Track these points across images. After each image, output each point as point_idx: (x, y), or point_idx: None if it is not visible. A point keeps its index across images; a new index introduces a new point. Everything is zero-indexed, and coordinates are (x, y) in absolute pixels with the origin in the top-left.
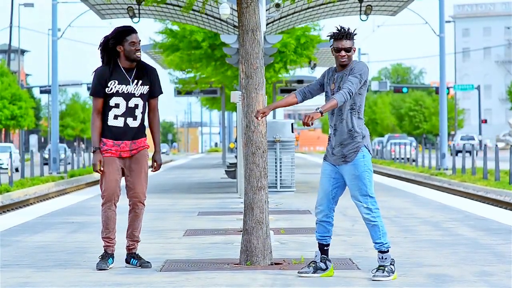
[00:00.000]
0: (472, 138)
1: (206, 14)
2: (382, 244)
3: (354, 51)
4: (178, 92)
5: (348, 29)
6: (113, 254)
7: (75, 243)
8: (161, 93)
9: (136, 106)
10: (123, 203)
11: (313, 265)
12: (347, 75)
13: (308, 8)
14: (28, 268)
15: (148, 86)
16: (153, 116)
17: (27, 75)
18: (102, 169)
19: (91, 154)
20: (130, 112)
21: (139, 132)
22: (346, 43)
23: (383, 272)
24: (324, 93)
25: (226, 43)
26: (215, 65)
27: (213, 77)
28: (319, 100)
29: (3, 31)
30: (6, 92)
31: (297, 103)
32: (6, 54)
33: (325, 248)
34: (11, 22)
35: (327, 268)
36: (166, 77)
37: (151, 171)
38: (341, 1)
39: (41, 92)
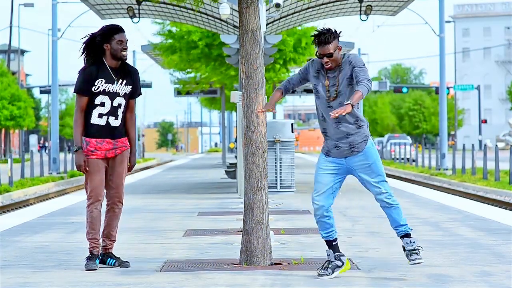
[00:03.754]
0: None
1: (206, 14)
2: (406, 225)
3: (340, 49)
4: (178, 93)
5: (327, 33)
6: (99, 255)
7: (75, 243)
8: (141, 94)
9: (119, 105)
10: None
11: (328, 265)
12: (345, 69)
13: (308, 8)
14: (28, 268)
15: (131, 87)
16: (130, 116)
17: (27, 75)
18: (87, 169)
19: (75, 154)
20: (113, 111)
21: (120, 132)
22: (327, 48)
23: (418, 254)
24: (312, 89)
25: (226, 43)
26: (214, 64)
27: (213, 77)
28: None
29: (3, 31)
30: (5, 92)
31: (282, 96)
32: (6, 54)
33: (334, 243)
34: (11, 22)
35: (343, 264)
36: (167, 78)
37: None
38: (341, 1)
39: (41, 92)
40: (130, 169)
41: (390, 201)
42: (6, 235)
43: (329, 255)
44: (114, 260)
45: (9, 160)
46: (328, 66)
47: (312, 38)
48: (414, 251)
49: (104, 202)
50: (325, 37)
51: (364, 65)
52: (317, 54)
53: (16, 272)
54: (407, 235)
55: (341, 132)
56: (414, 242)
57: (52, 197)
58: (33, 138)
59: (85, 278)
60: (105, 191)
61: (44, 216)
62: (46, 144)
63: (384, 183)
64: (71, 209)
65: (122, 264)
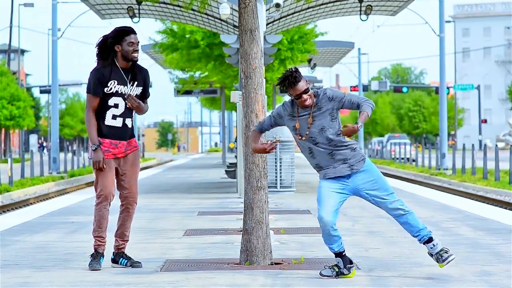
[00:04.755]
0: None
1: (206, 14)
2: (425, 228)
3: (309, 82)
4: (178, 92)
5: (293, 73)
6: (104, 253)
7: (75, 243)
8: (149, 95)
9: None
10: (113, 203)
11: (336, 269)
12: (326, 106)
13: (308, 8)
14: (28, 268)
15: (142, 88)
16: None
17: (27, 75)
18: (105, 166)
19: (91, 152)
20: (128, 113)
21: (132, 132)
22: (300, 86)
23: (447, 252)
24: (289, 128)
25: (226, 43)
26: (214, 64)
27: (213, 76)
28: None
29: (3, 31)
30: (5, 92)
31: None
32: (6, 54)
33: (343, 254)
34: (11, 22)
35: (349, 273)
36: (167, 77)
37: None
38: (341, 1)
39: (41, 92)
40: (133, 100)
41: (404, 207)
42: (6, 235)
43: (338, 262)
44: (126, 260)
45: (9, 160)
46: (308, 102)
47: (278, 86)
48: (441, 252)
49: (117, 202)
50: (293, 77)
51: (346, 95)
52: (294, 97)
53: (16, 272)
54: (430, 240)
55: (338, 160)
56: (437, 244)
57: (52, 197)
58: (33, 138)
59: (85, 278)
60: (121, 191)
61: (44, 216)
62: (44, 144)
63: (392, 194)
64: (71, 209)
65: (134, 264)
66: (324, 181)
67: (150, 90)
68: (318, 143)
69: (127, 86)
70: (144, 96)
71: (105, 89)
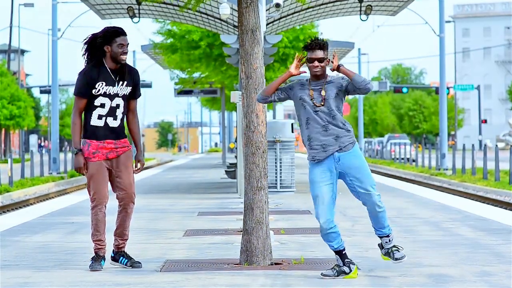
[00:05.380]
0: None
1: (206, 14)
2: (388, 227)
3: (328, 62)
4: (178, 92)
5: (322, 39)
6: (105, 256)
7: (75, 243)
8: (140, 95)
9: (118, 106)
10: (110, 203)
11: (337, 268)
12: (336, 81)
13: (308, 8)
14: (28, 268)
15: (131, 88)
16: (133, 117)
17: (27, 75)
18: (87, 171)
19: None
20: (111, 112)
21: (120, 132)
22: (319, 53)
23: (399, 251)
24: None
25: (226, 43)
26: (214, 64)
27: (213, 76)
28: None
29: (3, 31)
30: (5, 92)
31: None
32: (6, 54)
33: (344, 252)
34: (11, 22)
35: (350, 271)
36: (167, 78)
37: (135, 172)
38: (341, 1)
39: (41, 92)
40: (141, 169)
41: (380, 204)
42: (6, 235)
43: (337, 259)
44: (127, 260)
45: (9, 160)
46: (317, 70)
47: (303, 45)
48: (394, 248)
49: (114, 202)
50: (318, 42)
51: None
52: (307, 58)
53: (16, 272)
54: (387, 235)
55: (330, 134)
56: (392, 240)
57: (52, 197)
58: (33, 138)
59: (85, 278)
60: (117, 193)
61: (44, 216)
62: (43, 144)
63: (374, 186)
64: (71, 209)
65: (134, 264)
66: (314, 169)
67: (150, 90)
68: (318, 111)
69: (115, 86)
70: (133, 96)
71: (93, 91)
